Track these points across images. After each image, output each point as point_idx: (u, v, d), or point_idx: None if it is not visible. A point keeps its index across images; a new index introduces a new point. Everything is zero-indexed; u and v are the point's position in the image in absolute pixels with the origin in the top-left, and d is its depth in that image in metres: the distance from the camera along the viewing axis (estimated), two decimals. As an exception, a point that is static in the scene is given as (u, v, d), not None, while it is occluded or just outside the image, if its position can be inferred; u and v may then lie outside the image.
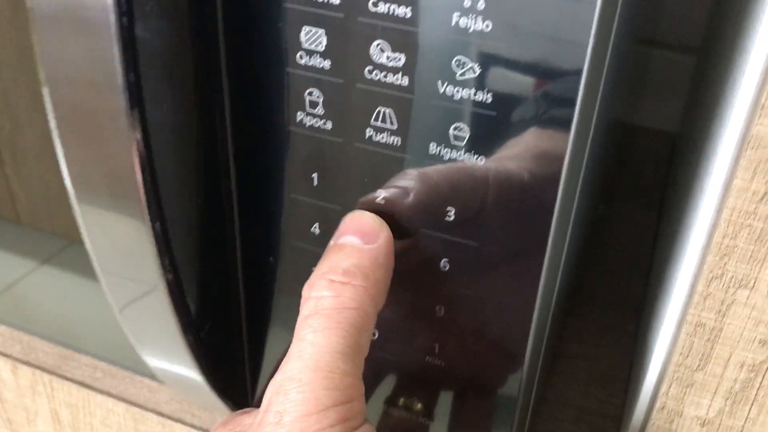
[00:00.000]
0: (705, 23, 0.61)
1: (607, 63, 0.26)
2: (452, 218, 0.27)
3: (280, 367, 0.26)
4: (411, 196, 0.27)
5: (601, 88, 0.27)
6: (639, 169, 0.62)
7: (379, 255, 0.27)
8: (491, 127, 0.25)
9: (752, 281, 0.27)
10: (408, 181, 0.27)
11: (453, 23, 0.23)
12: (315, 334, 0.25)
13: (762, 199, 0.26)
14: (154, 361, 0.35)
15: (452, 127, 0.25)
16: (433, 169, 0.26)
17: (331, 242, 0.28)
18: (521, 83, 0.24)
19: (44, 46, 0.25)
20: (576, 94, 0.23)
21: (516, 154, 0.25)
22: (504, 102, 0.24)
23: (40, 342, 0.48)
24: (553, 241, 0.27)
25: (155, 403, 0.45)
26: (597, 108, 0.27)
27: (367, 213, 0.28)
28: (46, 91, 0.27)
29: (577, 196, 0.28)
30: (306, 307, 0.27)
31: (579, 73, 0.23)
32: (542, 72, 0.23)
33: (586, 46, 0.22)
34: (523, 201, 0.26)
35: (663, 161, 0.64)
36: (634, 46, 0.51)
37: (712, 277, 0.28)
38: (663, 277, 0.39)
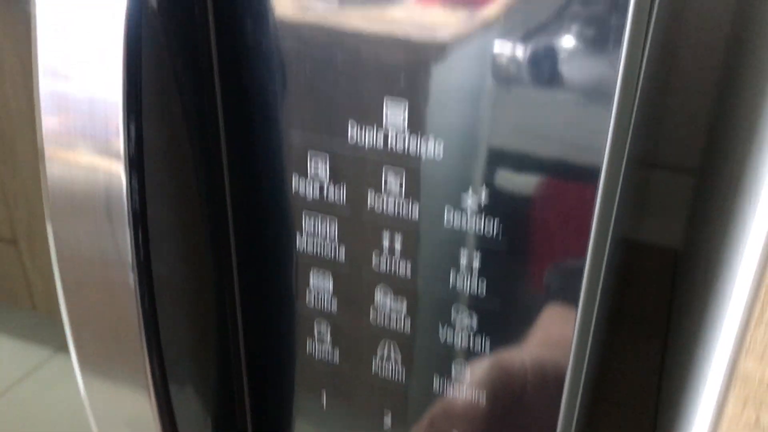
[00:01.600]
0: (702, 147, 0.63)
1: (618, 197, 0.27)
2: None
3: None
4: None
5: (611, 229, 0.27)
6: (642, 289, 0.63)
7: None
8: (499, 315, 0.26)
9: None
10: None
11: (450, 285, 0.25)
12: None
13: (756, 422, 0.27)
14: None
15: (453, 362, 0.27)
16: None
17: None
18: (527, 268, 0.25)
19: (55, 222, 0.26)
20: (586, 245, 0.24)
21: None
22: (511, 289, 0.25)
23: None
24: (568, 394, 0.27)
25: None
26: (607, 253, 0.27)
27: None
28: (56, 272, 0.28)
29: (589, 344, 0.29)
30: None
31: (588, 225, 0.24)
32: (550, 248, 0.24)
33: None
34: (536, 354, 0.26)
35: (667, 279, 0.65)
36: (637, 170, 0.52)
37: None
38: (672, 424, 0.39)
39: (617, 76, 0.21)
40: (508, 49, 0.22)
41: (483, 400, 0.27)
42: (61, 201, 0.26)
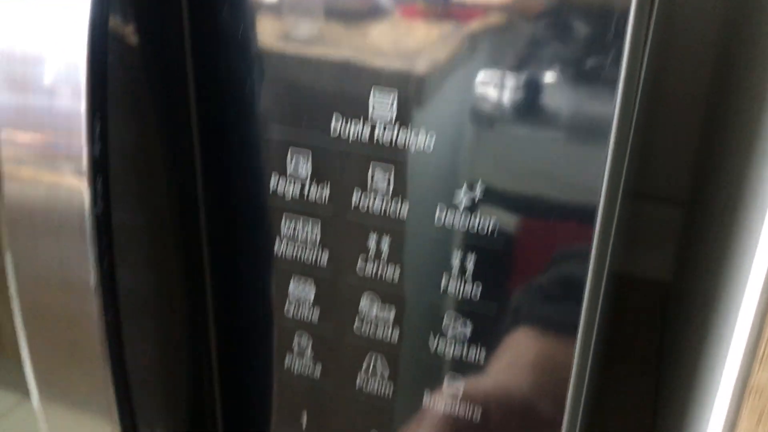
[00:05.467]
0: (690, 177, 0.62)
1: (614, 227, 0.25)
2: None
3: None
4: None
5: (608, 259, 0.26)
6: (633, 321, 0.62)
7: None
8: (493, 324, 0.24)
9: None
10: None
11: (441, 290, 0.23)
12: None
13: (771, 439, 0.25)
14: None
15: (445, 375, 0.24)
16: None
17: None
18: (523, 275, 0.23)
19: (14, 245, 0.24)
20: (586, 268, 0.22)
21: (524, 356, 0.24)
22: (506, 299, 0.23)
23: None
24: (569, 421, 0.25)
25: None
26: (605, 279, 0.25)
27: None
28: (13, 287, 0.26)
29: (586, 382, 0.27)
30: None
31: (587, 251, 0.22)
32: (547, 263, 0.22)
33: (595, 219, 0.21)
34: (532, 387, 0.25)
35: (657, 312, 0.63)
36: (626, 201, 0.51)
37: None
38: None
39: (615, 104, 0.20)
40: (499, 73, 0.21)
41: (477, 419, 0.25)
42: (20, 222, 0.24)
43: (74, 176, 0.23)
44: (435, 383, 0.25)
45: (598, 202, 0.21)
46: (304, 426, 0.27)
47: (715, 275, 0.36)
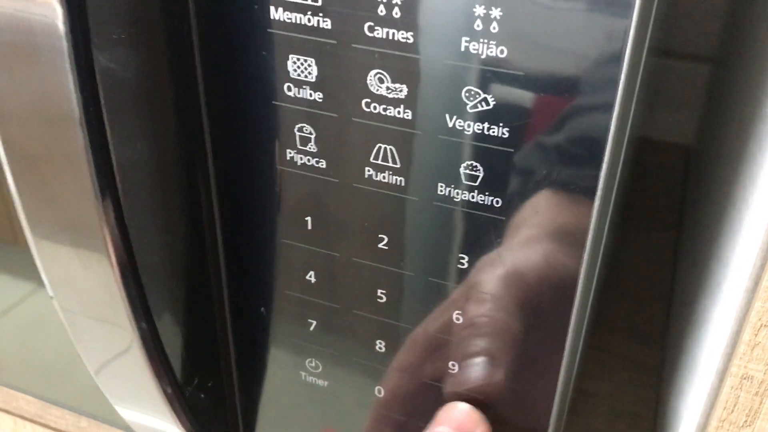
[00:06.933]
0: (720, 31, 0.58)
1: (638, 85, 0.23)
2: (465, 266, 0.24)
3: None
4: None
5: (632, 115, 0.24)
6: (653, 184, 0.59)
7: None
8: (508, 165, 0.22)
9: (807, 329, 0.24)
10: None
11: (462, 49, 0.20)
12: None
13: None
14: (131, 416, 0.32)
15: (463, 165, 0.22)
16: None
17: None
18: (542, 115, 0.21)
19: None
20: (608, 123, 0.20)
21: (539, 204, 0.22)
22: (522, 137, 0.21)
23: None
24: (581, 293, 0.23)
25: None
26: (626, 139, 0.23)
27: (464, 404, 0.27)
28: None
29: (603, 241, 0.25)
30: None
31: (610, 105, 0.20)
32: (566, 102, 0.20)
33: (619, 73, 0.19)
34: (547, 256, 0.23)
35: (678, 176, 0.61)
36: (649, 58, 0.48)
37: (761, 325, 0.24)
38: (691, 313, 0.36)
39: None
40: None
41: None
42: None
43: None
44: (451, 171, 0.22)
45: (623, 55, 0.19)
46: (309, 227, 0.25)
47: (742, 136, 0.33)
